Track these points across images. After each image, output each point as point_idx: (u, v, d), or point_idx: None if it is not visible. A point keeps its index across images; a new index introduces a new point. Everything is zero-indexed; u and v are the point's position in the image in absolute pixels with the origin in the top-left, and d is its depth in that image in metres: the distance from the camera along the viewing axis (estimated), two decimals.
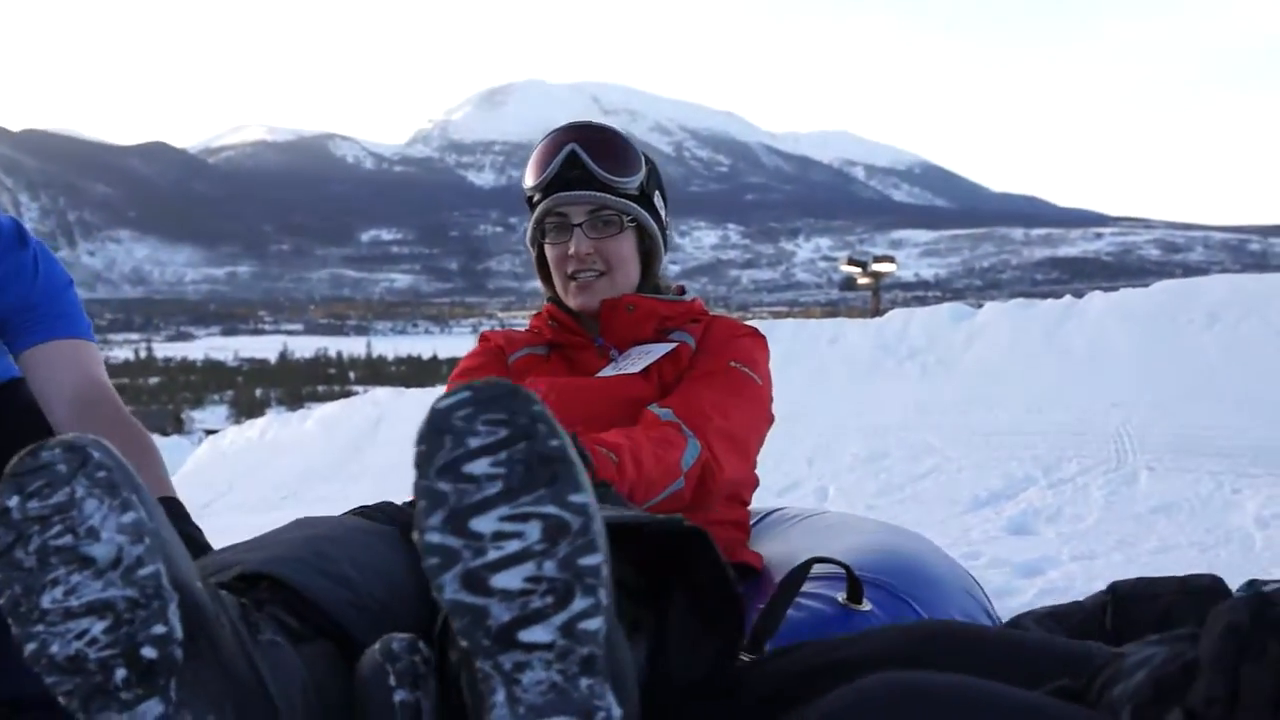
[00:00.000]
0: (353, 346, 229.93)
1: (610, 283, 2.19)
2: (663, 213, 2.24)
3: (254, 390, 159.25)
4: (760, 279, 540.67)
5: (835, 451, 7.19)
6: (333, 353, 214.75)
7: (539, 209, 2.20)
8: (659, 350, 2.15)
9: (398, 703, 1.11)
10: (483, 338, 2.37)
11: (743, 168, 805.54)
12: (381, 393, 14.44)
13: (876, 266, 36.16)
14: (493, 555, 1.03)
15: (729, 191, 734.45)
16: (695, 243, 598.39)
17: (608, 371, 2.16)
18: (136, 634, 1.07)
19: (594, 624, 1.04)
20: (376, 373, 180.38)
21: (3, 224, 2.31)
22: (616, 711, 1.06)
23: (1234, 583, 1.50)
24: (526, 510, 1.04)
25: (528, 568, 1.03)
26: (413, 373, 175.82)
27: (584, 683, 1.05)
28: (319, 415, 13.59)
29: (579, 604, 1.04)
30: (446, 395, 1.06)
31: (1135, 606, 1.55)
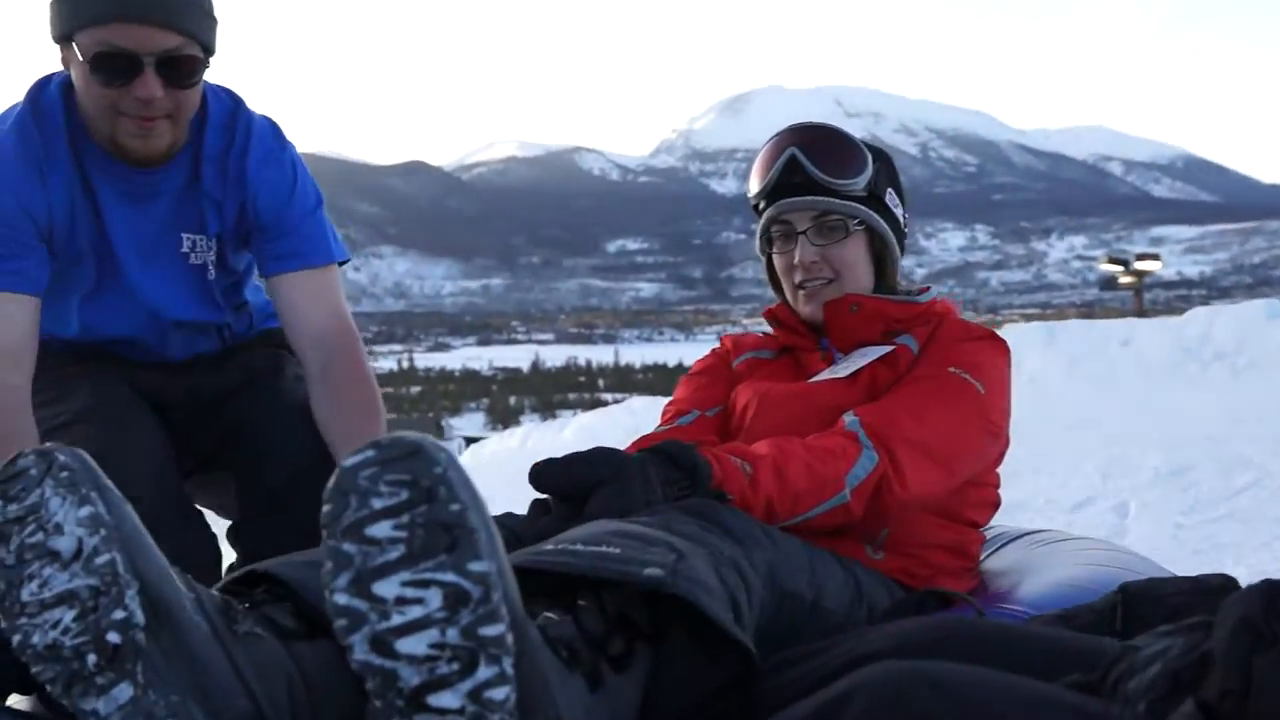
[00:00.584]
0: (601, 354, 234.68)
1: (839, 289, 2.10)
2: (898, 210, 2.14)
3: (508, 398, 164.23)
4: (1010, 281, 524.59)
5: (1133, 465, 6.53)
6: (582, 361, 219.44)
7: (764, 217, 2.16)
8: (873, 354, 2.06)
9: None
10: (720, 340, 2.35)
11: (991, 167, 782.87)
12: (637, 401, 14.45)
13: (1140, 265, 34.06)
14: (396, 620, 1.03)
15: (977, 192, 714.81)
16: (941, 245, 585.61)
17: (823, 375, 2.09)
18: (101, 620, 1.13)
19: (500, 693, 1.04)
20: (624, 380, 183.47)
21: (262, 124, 2.25)
22: None
23: None
24: (427, 577, 1.03)
25: (431, 634, 1.03)
26: (660, 380, 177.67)
27: None
28: (577, 424, 13.71)
29: (484, 673, 1.03)
30: (354, 453, 1.06)
31: (1145, 607, 1.54)
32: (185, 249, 2.25)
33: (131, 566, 1.15)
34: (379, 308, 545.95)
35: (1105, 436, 7.44)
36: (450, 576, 1.03)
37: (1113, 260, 36.28)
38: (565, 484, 1.59)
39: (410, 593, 1.03)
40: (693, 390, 2.23)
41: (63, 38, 1.98)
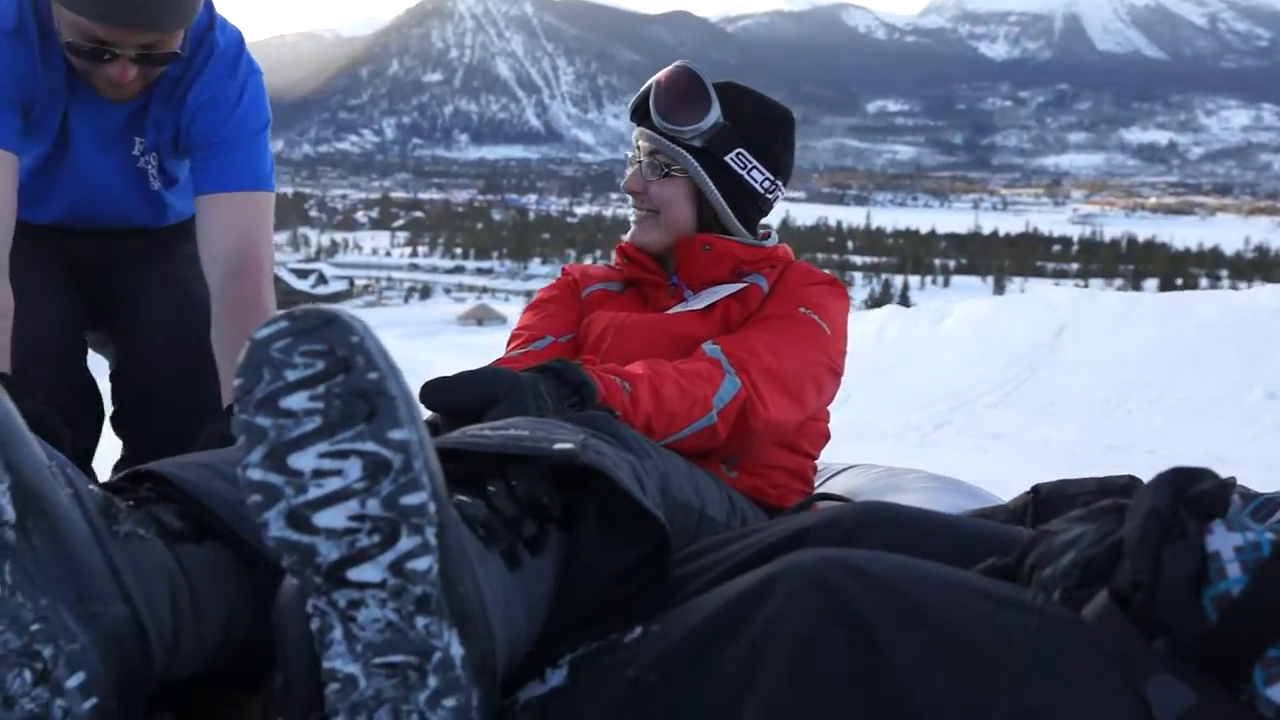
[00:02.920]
0: (852, 216, 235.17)
1: (657, 224, 2.18)
2: (746, 172, 2.16)
3: None
4: None
5: None
6: (832, 221, 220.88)
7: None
8: (726, 290, 2.14)
9: (315, 630, 1.05)
10: (563, 271, 2.38)
11: None
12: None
13: None
14: (314, 493, 1.02)
15: (1268, 68, 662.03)
16: (1223, 124, 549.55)
17: (677, 309, 2.16)
18: None
19: (423, 563, 1.03)
20: (875, 244, 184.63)
21: (223, 45, 2.26)
22: (457, 650, 1.05)
23: None
24: (345, 447, 1.02)
25: (350, 506, 1.02)
26: (911, 245, 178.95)
27: (420, 621, 1.04)
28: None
29: (405, 543, 1.03)
30: (266, 325, 1.03)
31: (1055, 505, 1.59)
32: (136, 151, 2.33)
33: (3, 459, 1.07)
34: None
35: None
36: (370, 445, 1.02)
37: None
38: (458, 402, 1.59)
39: (328, 464, 1.01)
40: (542, 317, 2.25)
41: None
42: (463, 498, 1.20)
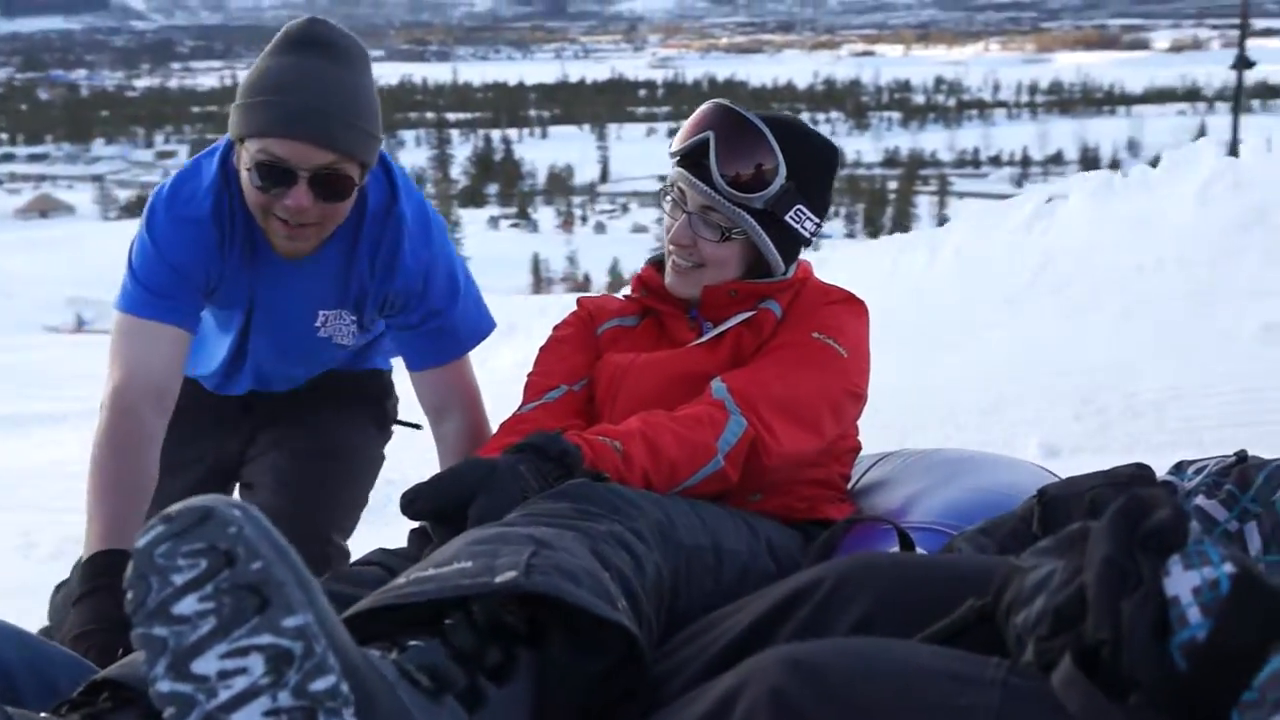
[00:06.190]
0: (436, 73, 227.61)
1: (701, 278, 2.12)
2: (800, 225, 2.10)
3: None
4: None
5: None
6: (417, 79, 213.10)
7: (670, 174, 2.15)
8: (737, 317, 2.10)
9: None
10: (578, 303, 2.34)
11: None
12: None
13: None
14: (224, 695, 0.99)
15: None
16: None
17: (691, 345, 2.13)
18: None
19: None
20: (466, 100, 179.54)
21: (414, 220, 2.32)
22: None
23: None
24: (244, 644, 0.99)
25: (262, 702, 0.99)
26: (502, 99, 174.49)
27: None
28: None
29: None
30: (145, 530, 1.02)
31: (1062, 507, 1.55)
32: (318, 323, 2.37)
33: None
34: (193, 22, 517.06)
35: None
36: (267, 638, 0.99)
37: None
38: (440, 503, 1.58)
39: (231, 664, 0.99)
40: (556, 360, 2.21)
41: (237, 138, 2.12)
42: (416, 641, 1.17)
